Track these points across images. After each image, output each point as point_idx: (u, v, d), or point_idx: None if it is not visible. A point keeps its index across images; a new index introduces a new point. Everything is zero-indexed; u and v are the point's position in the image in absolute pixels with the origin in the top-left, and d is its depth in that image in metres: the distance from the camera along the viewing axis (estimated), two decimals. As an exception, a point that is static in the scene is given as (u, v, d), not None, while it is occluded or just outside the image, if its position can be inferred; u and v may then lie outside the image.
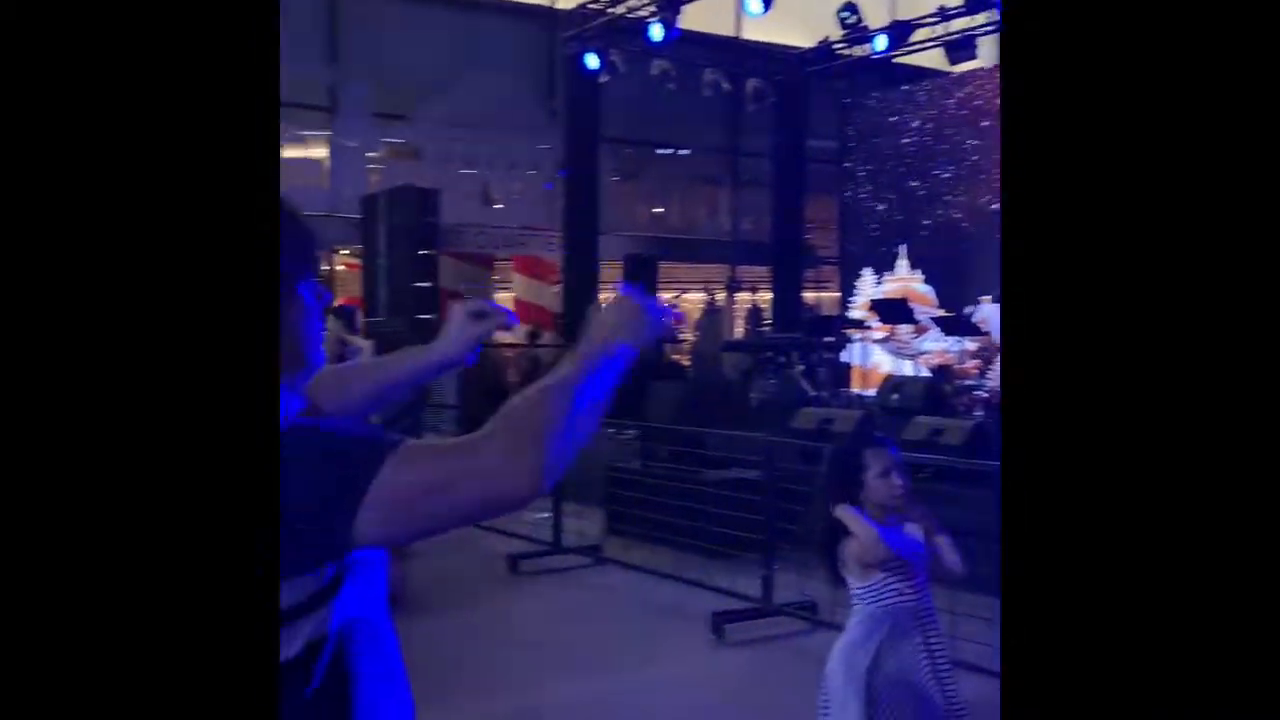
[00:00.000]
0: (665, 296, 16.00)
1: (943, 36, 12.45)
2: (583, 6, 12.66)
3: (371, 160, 14.62)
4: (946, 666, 2.62)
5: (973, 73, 12.73)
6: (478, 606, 5.97)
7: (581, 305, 10.69)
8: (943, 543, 2.66)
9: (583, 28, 12.63)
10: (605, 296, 6.85)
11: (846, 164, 14.64)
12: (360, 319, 9.28)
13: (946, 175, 13.15)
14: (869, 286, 13.64)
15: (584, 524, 7.17)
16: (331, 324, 6.51)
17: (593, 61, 12.45)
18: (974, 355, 10.77)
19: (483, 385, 9.74)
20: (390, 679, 1.24)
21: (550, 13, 15.20)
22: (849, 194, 14.59)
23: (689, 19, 12.05)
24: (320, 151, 14.19)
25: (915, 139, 13.59)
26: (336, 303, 9.60)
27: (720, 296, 16.51)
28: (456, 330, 1.62)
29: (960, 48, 12.18)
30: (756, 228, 17.01)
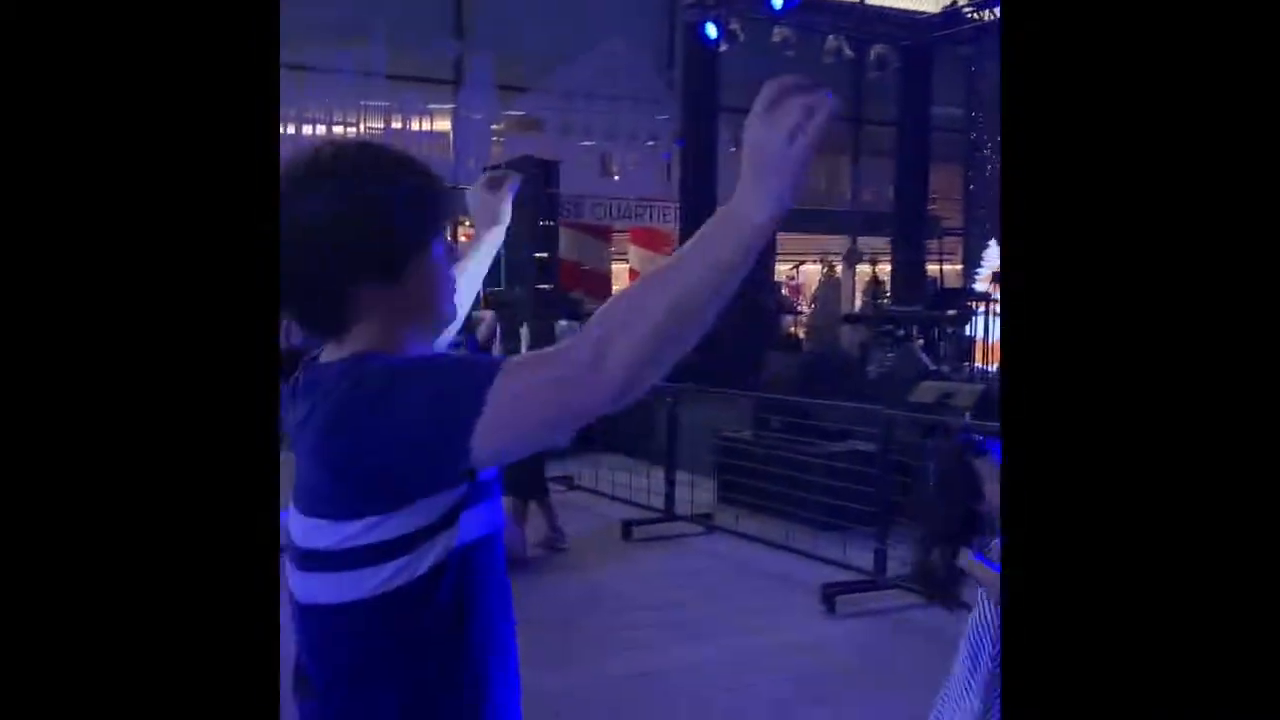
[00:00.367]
0: (783, 269, 15.88)
1: None
2: (704, -25, 12.58)
3: (495, 132, 14.87)
4: None
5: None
6: (592, 570, 6.11)
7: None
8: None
9: (703, -3, 12.57)
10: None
11: (973, 134, 14.21)
12: (481, 288, 9.46)
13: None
14: (994, 259, 13.25)
15: (696, 493, 7.26)
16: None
17: (712, 31, 12.37)
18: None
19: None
20: (503, 606, 1.31)
21: (670, -17, 15.16)
22: (975, 164, 14.17)
23: (811, -15, 11.86)
24: (445, 124, 14.50)
25: (1046, 107, 13.10)
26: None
27: (839, 268, 16.28)
28: (479, 206, 1.79)
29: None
30: (877, 198, 16.66)
